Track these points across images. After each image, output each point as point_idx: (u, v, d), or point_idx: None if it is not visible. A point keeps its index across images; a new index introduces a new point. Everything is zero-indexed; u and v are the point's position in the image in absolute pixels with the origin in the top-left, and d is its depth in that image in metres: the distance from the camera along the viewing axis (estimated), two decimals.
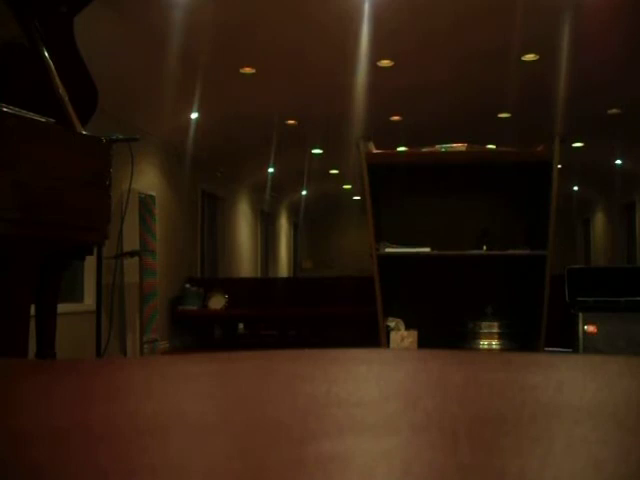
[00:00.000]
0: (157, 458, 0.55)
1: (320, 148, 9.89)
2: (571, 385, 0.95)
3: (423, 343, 3.64)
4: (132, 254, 6.05)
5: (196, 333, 8.65)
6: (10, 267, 2.33)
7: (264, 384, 0.96)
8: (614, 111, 7.53)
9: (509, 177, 3.98)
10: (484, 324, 3.76)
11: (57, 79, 2.66)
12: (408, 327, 3.73)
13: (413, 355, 1.61)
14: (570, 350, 4.34)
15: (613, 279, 4.48)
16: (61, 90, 2.66)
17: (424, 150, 3.84)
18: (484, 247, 3.76)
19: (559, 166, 3.59)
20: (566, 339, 4.33)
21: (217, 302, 8.44)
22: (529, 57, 5.96)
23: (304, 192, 14.32)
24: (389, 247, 3.76)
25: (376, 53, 5.81)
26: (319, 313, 8.16)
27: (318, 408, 0.76)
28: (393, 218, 4.02)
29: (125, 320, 6.85)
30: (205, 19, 5.12)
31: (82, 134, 2.68)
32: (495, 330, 3.76)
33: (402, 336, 3.66)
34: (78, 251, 2.78)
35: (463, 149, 3.77)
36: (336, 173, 12.12)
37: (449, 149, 3.78)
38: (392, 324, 3.71)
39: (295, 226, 17.02)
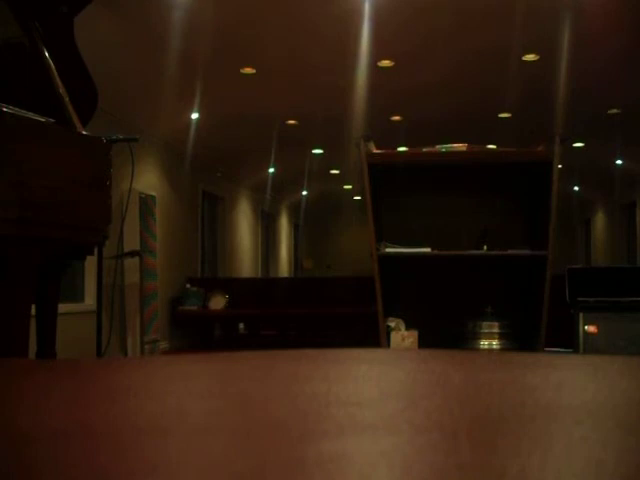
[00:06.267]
0: (157, 458, 0.55)
1: (320, 148, 9.89)
2: (571, 385, 0.95)
3: (423, 343, 3.64)
4: (132, 254, 6.05)
5: (196, 333, 8.65)
6: (10, 267, 2.33)
7: (264, 384, 0.96)
8: (614, 111, 7.53)
9: (509, 177, 3.98)
10: (484, 324, 3.76)
11: (57, 79, 2.66)
12: (408, 327, 3.72)
13: (413, 355, 1.61)
14: (570, 350, 4.34)
15: (614, 279, 4.47)
16: (61, 90, 2.66)
17: (424, 150, 3.84)
18: (484, 247, 3.76)
19: (559, 166, 3.59)
20: (566, 339, 4.32)
21: (217, 302, 8.44)
22: (529, 57, 5.95)
23: (304, 192, 14.32)
24: (389, 247, 3.76)
25: (376, 53, 5.81)
26: (319, 313, 8.15)
27: (318, 408, 0.76)
28: (393, 218, 4.01)
29: (125, 320, 6.85)
30: (205, 19, 5.12)
31: (82, 134, 2.68)
32: (495, 330, 3.76)
33: (402, 336, 3.66)
34: (78, 251, 2.78)
35: (463, 149, 3.77)
36: (336, 173, 12.12)
37: (449, 149, 3.78)
38: (392, 324, 3.71)
39: (295, 226, 17.01)
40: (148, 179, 7.70)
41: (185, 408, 0.78)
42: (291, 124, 8.27)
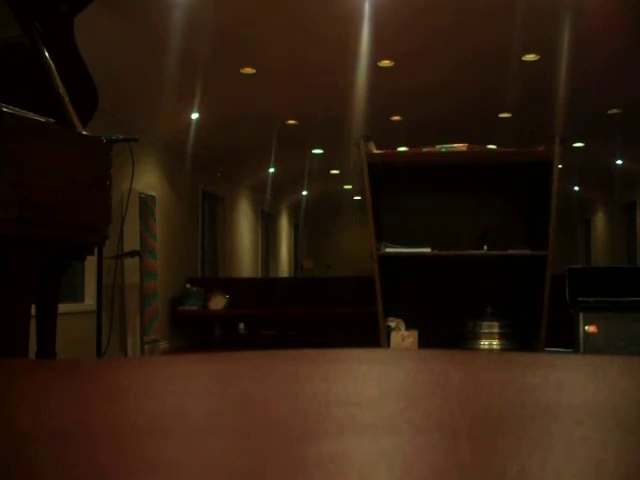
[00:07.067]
0: (157, 458, 0.55)
1: (320, 148, 9.89)
2: (571, 385, 0.95)
3: (423, 343, 3.64)
4: (133, 254, 6.05)
5: (196, 333, 8.65)
6: (10, 267, 2.33)
7: (264, 384, 0.96)
8: (614, 111, 7.53)
9: (509, 177, 3.98)
10: (484, 324, 3.76)
11: (57, 79, 2.66)
12: (408, 327, 3.72)
13: (413, 355, 1.61)
14: (570, 350, 4.34)
15: (614, 279, 4.47)
16: (61, 90, 2.66)
17: (424, 150, 3.84)
18: (484, 247, 3.76)
19: (559, 166, 3.59)
20: (566, 339, 4.32)
21: (218, 302, 8.44)
22: (529, 57, 5.96)
23: (305, 192, 14.32)
24: (389, 247, 3.76)
25: (376, 53, 5.81)
26: (319, 313, 8.15)
27: (318, 408, 0.76)
28: (393, 218, 4.02)
29: (125, 320, 6.85)
30: (205, 19, 5.12)
31: (82, 134, 2.68)
32: (495, 330, 3.75)
33: (403, 336, 3.66)
34: (78, 251, 2.78)
35: (464, 149, 3.77)
36: (336, 173, 12.12)
37: (449, 149, 3.78)
38: (392, 324, 3.71)
39: (296, 226, 17.02)
40: (148, 179, 7.70)
41: (185, 408, 0.78)
42: (291, 124, 8.27)
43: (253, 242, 12.79)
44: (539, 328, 3.57)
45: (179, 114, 7.52)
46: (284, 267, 15.58)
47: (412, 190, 4.07)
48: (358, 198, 14.09)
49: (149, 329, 7.16)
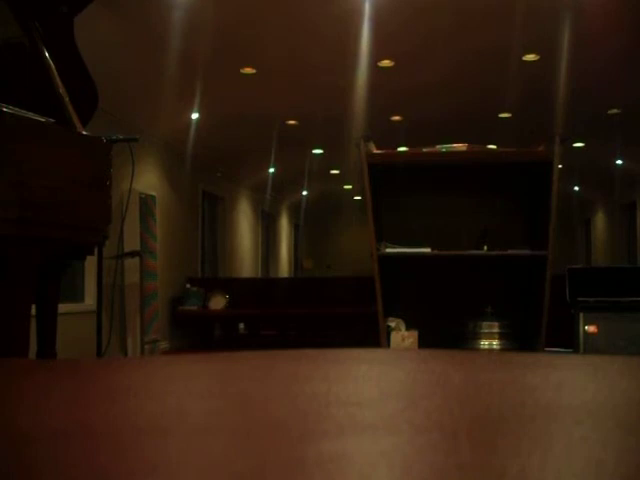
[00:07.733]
0: (157, 458, 0.55)
1: (320, 148, 9.89)
2: (571, 385, 0.95)
3: (423, 343, 3.64)
4: (133, 254, 6.05)
5: (196, 333, 8.65)
6: (10, 267, 2.33)
7: (264, 384, 0.96)
8: (614, 111, 7.53)
9: (509, 177, 3.98)
10: (484, 324, 3.76)
11: (57, 79, 2.66)
12: (408, 327, 3.72)
13: (413, 355, 1.61)
14: (570, 350, 4.34)
15: (614, 279, 4.47)
16: (61, 90, 2.66)
17: (424, 150, 3.84)
18: (484, 247, 3.76)
19: (559, 166, 3.59)
20: (566, 339, 4.32)
21: (218, 302, 8.44)
22: (529, 57, 5.96)
23: (305, 192, 14.32)
24: (389, 247, 3.76)
25: (376, 53, 5.81)
26: (319, 313, 8.15)
27: (318, 408, 0.76)
28: (393, 218, 4.02)
29: (125, 320, 6.85)
30: (205, 19, 5.12)
31: (82, 134, 2.68)
32: (495, 330, 3.75)
33: (403, 336, 3.66)
34: (78, 251, 2.78)
35: (464, 149, 3.77)
36: (337, 173, 12.12)
37: (449, 149, 3.78)
38: (393, 324, 3.71)
39: (296, 226, 17.02)
40: (148, 179, 7.70)
41: (185, 408, 0.78)
42: (291, 124, 8.27)
43: (253, 242, 12.79)
44: (539, 328, 3.57)
45: (179, 114, 7.52)
46: (284, 267, 15.58)
47: (412, 190, 4.07)
48: (358, 198, 14.09)
49: (149, 329, 7.16)
